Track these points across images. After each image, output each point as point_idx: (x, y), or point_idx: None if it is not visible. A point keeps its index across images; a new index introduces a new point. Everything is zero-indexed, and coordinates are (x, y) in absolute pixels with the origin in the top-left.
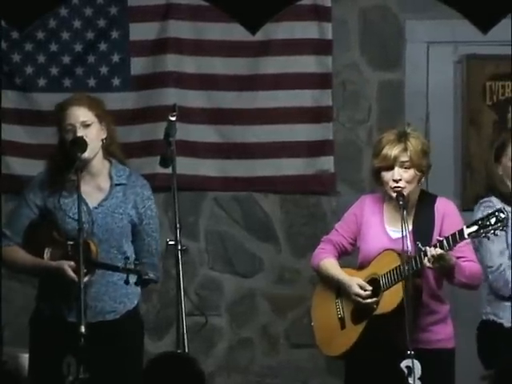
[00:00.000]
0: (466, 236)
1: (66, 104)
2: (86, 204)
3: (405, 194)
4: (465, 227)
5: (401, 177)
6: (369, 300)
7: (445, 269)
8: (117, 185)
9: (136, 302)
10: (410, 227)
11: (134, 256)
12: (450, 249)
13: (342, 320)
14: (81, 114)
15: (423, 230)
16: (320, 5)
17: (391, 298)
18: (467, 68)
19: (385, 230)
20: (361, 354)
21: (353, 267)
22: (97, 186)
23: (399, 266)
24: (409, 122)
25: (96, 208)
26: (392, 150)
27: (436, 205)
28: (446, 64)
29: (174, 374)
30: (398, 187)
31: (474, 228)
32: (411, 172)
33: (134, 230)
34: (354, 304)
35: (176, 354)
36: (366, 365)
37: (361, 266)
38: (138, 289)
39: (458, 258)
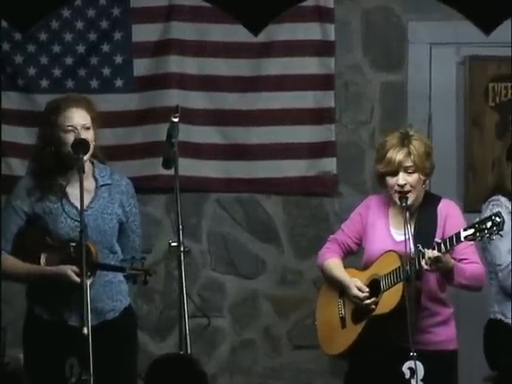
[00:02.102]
0: (463, 239)
1: (64, 105)
2: (75, 207)
3: (410, 200)
4: (462, 230)
5: (405, 181)
6: (367, 301)
7: (443, 271)
8: (102, 185)
9: (129, 299)
10: (413, 229)
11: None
12: (447, 251)
13: (343, 319)
14: (81, 117)
15: (426, 232)
16: (322, 6)
17: (390, 299)
18: (470, 69)
19: (389, 233)
20: (360, 353)
21: (357, 267)
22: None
23: (399, 267)
24: (411, 123)
25: (86, 210)
26: (396, 155)
27: (439, 206)
28: (449, 65)
29: (176, 376)
30: (404, 191)
31: (471, 231)
32: (415, 176)
33: (121, 227)
34: (355, 304)
35: (179, 356)
36: (366, 364)
37: (365, 267)
38: (128, 285)
39: (461, 260)
